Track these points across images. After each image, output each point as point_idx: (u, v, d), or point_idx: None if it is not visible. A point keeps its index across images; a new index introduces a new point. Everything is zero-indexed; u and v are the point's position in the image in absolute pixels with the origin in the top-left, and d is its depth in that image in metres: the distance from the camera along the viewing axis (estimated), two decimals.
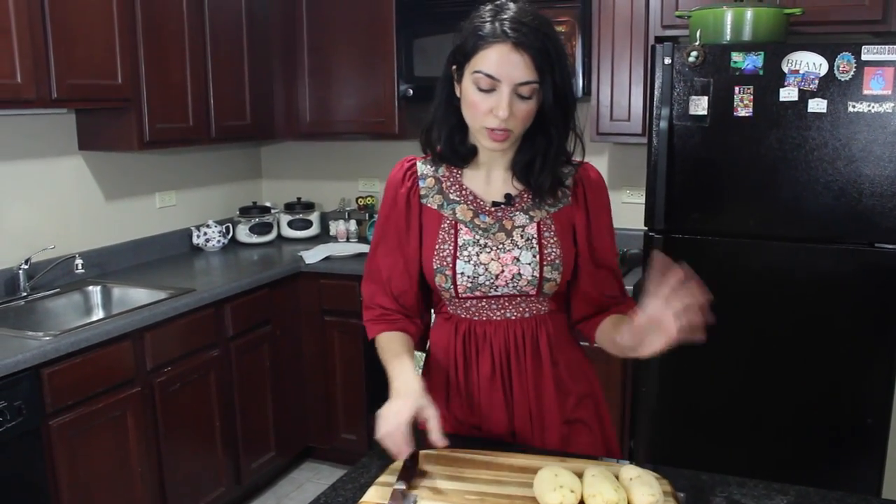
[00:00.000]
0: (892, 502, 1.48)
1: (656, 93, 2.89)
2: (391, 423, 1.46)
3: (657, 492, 1.35)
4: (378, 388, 4.17)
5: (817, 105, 2.70)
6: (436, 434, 1.45)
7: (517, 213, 1.66)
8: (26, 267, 3.13)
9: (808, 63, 2.68)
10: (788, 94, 2.72)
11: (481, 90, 1.51)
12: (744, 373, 2.95)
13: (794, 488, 1.51)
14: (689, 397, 3.05)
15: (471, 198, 1.68)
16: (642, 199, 3.12)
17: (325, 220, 4.51)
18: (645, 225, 3.01)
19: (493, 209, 1.66)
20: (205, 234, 4.08)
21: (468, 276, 1.63)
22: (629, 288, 3.22)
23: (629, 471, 1.42)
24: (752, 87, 2.76)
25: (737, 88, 2.78)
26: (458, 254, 1.64)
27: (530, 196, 1.65)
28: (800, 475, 1.77)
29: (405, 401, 1.49)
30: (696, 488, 1.51)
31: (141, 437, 2.94)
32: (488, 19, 1.51)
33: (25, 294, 3.12)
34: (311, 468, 4.06)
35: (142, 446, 2.95)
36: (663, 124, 2.88)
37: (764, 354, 2.91)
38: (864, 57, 2.62)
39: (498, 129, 1.52)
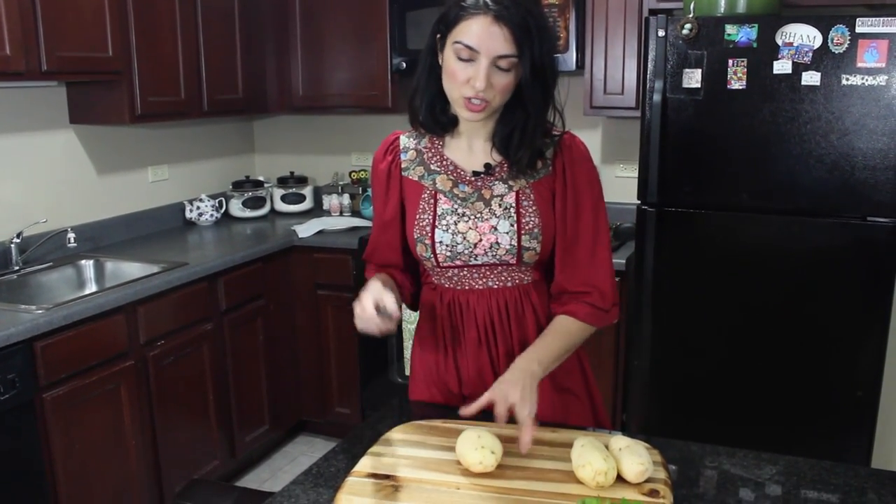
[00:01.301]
0: (879, 472, 1.50)
1: (650, 66, 2.87)
2: (357, 311, 1.54)
3: (647, 461, 1.36)
4: (371, 362, 4.20)
5: (811, 78, 2.69)
6: (390, 306, 1.51)
7: (497, 182, 1.66)
8: (18, 241, 3.13)
9: (802, 35, 2.67)
10: (782, 66, 2.71)
11: (461, 60, 1.52)
12: (736, 345, 2.96)
13: (783, 458, 1.52)
14: (681, 370, 3.07)
15: (451, 168, 1.69)
16: (636, 173, 3.12)
17: (318, 194, 4.50)
18: (638, 198, 3.01)
19: (472, 178, 1.67)
20: (197, 208, 4.07)
21: (447, 245, 1.65)
22: (622, 261, 3.23)
23: (619, 441, 1.43)
24: (745, 59, 2.75)
25: (730, 61, 2.77)
26: (436, 223, 1.66)
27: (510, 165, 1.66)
28: (791, 447, 1.78)
29: (367, 291, 1.56)
30: (687, 459, 1.53)
31: (135, 411, 2.95)
32: None
33: (18, 268, 3.12)
34: (305, 442, 4.08)
35: (135, 419, 2.96)
36: (657, 97, 2.87)
37: (756, 327, 2.92)
38: (858, 29, 2.61)
39: (475, 98, 1.53)
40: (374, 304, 1.51)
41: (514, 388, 1.46)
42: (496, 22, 1.48)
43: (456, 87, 1.55)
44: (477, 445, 1.39)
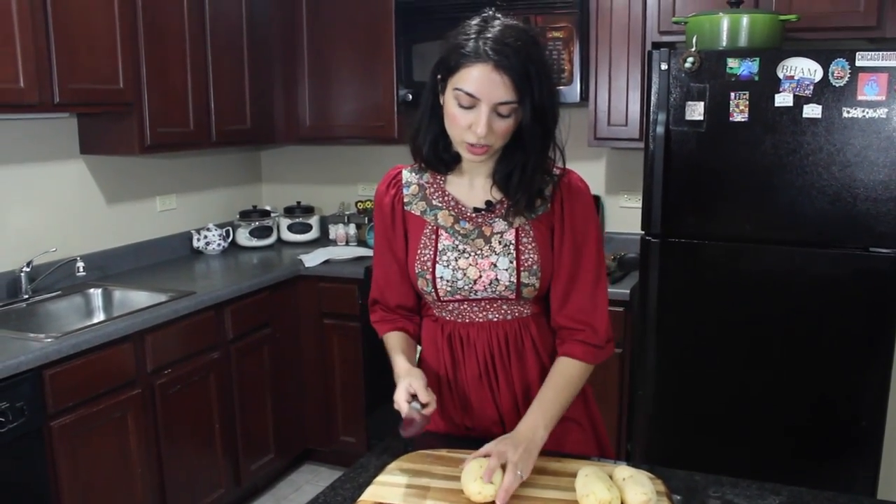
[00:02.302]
0: (884, 502, 1.50)
1: (653, 98, 2.91)
2: (397, 404, 1.57)
3: (650, 491, 1.37)
4: (377, 391, 4.19)
5: (812, 110, 2.72)
6: (422, 394, 1.55)
7: (497, 219, 1.68)
8: (28, 269, 3.16)
9: (803, 69, 2.71)
10: (784, 99, 2.75)
11: (462, 106, 1.53)
12: (740, 375, 2.97)
13: (786, 488, 1.53)
14: (686, 400, 3.07)
15: (452, 203, 1.71)
16: (639, 204, 3.15)
17: (324, 223, 4.53)
18: (642, 229, 3.04)
19: (473, 215, 1.69)
20: (205, 237, 4.10)
21: (447, 281, 1.67)
22: (626, 291, 3.25)
23: (623, 471, 1.44)
24: (747, 92, 2.79)
25: (733, 94, 2.81)
26: (437, 259, 1.68)
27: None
28: (796, 477, 1.79)
29: (399, 385, 1.60)
30: (690, 488, 1.53)
31: (141, 439, 2.96)
32: (472, 36, 1.52)
33: (27, 296, 3.15)
34: (311, 470, 4.08)
35: (142, 447, 2.97)
36: (660, 129, 2.91)
37: (760, 357, 2.93)
38: (858, 63, 2.64)
39: (476, 144, 1.55)
40: (406, 399, 1.55)
41: (516, 449, 1.48)
42: (497, 70, 1.49)
43: (457, 132, 1.56)
44: (478, 476, 1.41)
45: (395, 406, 1.57)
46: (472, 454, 1.50)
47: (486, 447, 1.50)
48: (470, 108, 1.52)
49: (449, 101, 1.56)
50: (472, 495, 1.41)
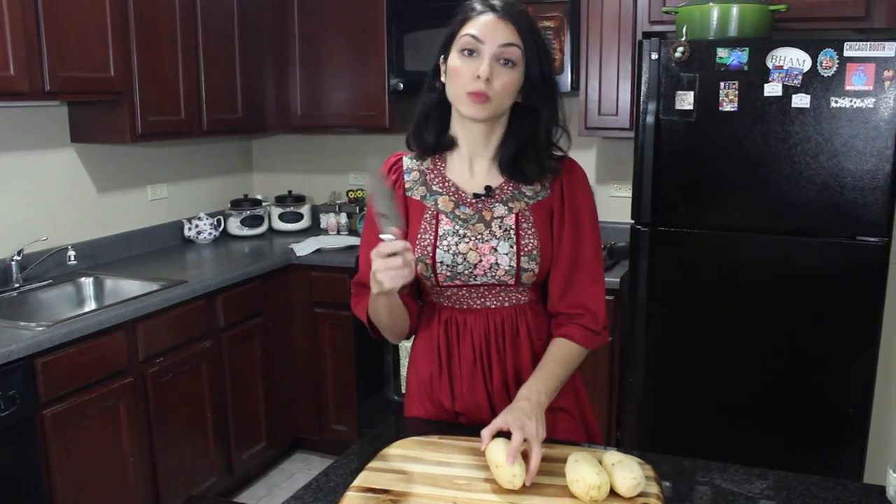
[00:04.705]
0: (868, 486, 1.53)
1: (643, 88, 2.92)
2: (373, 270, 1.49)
3: (639, 475, 1.39)
4: (368, 380, 4.21)
5: (801, 100, 2.74)
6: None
7: (497, 204, 1.70)
8: (19, 258, 3.15)
9: (791, 59, 2.73)
10: (773, 89, 2.77)
11: (465, 54, 1.58)
12: (728, 363, 2.99)
13: (773, 473, 1.55)
14: (676, 387, 3.10)
15: (453, 189, 1.72)
16: (630, 193, 3.16)
17: (315, 212, 4.53)
18: (632, 218, 3.05)
19: (473, 200, 1.71)
20: (196, 226, 4.10)
21: (447, 265, 1.68)
22: (616, 280, 3.27)
23: (612, 456, 1.46)
24: (737, 82, 2.80)
25: (722, 84, 2.82)
26: (437, 243, 1.69)
27: (511, 187, 1.70)
28: (784, 464, 1.80)
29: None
30: (679, 474, 1.55)
31: (133, 427, 2.97)
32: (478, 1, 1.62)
33: (18, 285, 3.14)
34: (302, 459, 4.10)
35: (134, 436, 2.98)
36: (650, 119, 2.92)
37: (748, 345, 2.95)
38: (846, 53, 2.66)
39: (479, 91, 1.57)
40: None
41: (530, 421, 1.48)
42: (501, 18, 1.58)
43: (460, 84, 1.59)
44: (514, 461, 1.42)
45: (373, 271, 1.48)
46: (488, 430, 1.48)
47: (498, 422, 1.49)
48: (473, 55, 1.58)
49: (454, 60, 1.61)
50: (504, 483, 1.41)
